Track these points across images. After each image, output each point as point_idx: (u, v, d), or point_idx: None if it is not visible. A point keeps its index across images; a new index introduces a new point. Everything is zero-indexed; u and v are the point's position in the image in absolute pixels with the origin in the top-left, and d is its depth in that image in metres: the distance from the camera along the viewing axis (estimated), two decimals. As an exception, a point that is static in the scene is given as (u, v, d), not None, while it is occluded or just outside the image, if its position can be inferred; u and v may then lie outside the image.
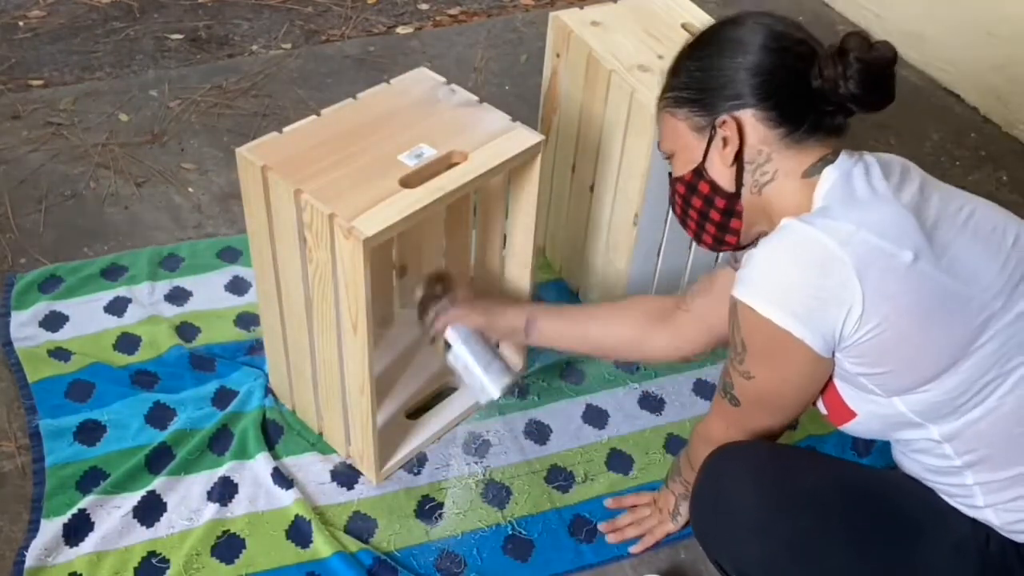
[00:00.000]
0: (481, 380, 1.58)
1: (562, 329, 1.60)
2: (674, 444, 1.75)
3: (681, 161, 1.27)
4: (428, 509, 1.63)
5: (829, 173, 1.16)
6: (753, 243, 1.24)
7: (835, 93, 1.14)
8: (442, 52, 2.80)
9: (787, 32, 1.19)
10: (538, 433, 1.76)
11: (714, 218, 1.27)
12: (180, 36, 2.81)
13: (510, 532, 1.60)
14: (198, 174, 2.28)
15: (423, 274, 1.68)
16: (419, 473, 1.68)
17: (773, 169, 1.19)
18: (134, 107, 2.47)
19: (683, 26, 1.83)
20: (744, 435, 1.29)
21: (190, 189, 2.23)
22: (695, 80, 1.22)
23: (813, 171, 1.18)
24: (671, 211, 1.37)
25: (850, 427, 1.24)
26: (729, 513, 1.24)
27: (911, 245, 1.08)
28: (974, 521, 1.19)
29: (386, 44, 2.82)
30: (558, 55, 1.84)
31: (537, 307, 1.64)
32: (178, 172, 2.28)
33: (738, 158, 1.20)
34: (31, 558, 1.48)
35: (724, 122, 1.19)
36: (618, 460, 1.72)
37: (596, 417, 1.79)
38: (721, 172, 1.23)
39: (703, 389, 1.86)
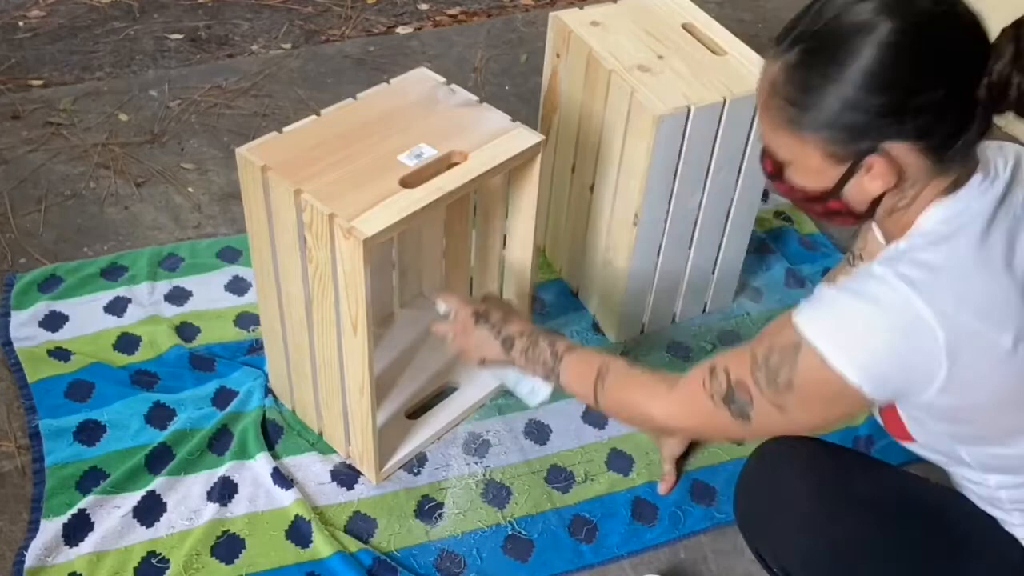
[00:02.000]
0: (532, 382, 1.52)
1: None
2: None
3: (802, 175, 1.10)
4: (428, 509, 1.63)
5: (960, 200, 1.05)
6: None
7: (1003, 99, 0.99)
8: (442, 52, 2.80)
9: (942, 32, 0.99)
10: (538, 433, 1.76)
11: (835, 220, 1.15)
12: (180, 36, 2.80)
13: (510, 532, 1.60)
14: (198, 174, 2.28)
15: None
16: (419, 473, 1.68)
17: (914, 194, 1.06)
18: (134, 107, 2.47)
19: (683, 26, 1.83)
20: (711, 436, 1.23)
21: (190, 189, 2.23)
22: (831, 111, 1.02)
23: (949, 190, 1.05)
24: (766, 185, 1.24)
25: (909, 447, 1.18)
26: (780, 506, 1.22)
27: (1013, 327, 0.99)
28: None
29: (386, 44, 2.82)
30: (558, 55, 1.84)
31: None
32: (178, 172, 2.28)
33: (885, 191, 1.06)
34: (31, 558, 1.48)
35: (875, 161, 1.03)
36: (618, 460, 1.72)
37: (596, 417, 1.79)
38: (858, 200, 1.08)
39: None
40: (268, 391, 1.76)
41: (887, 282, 1.01)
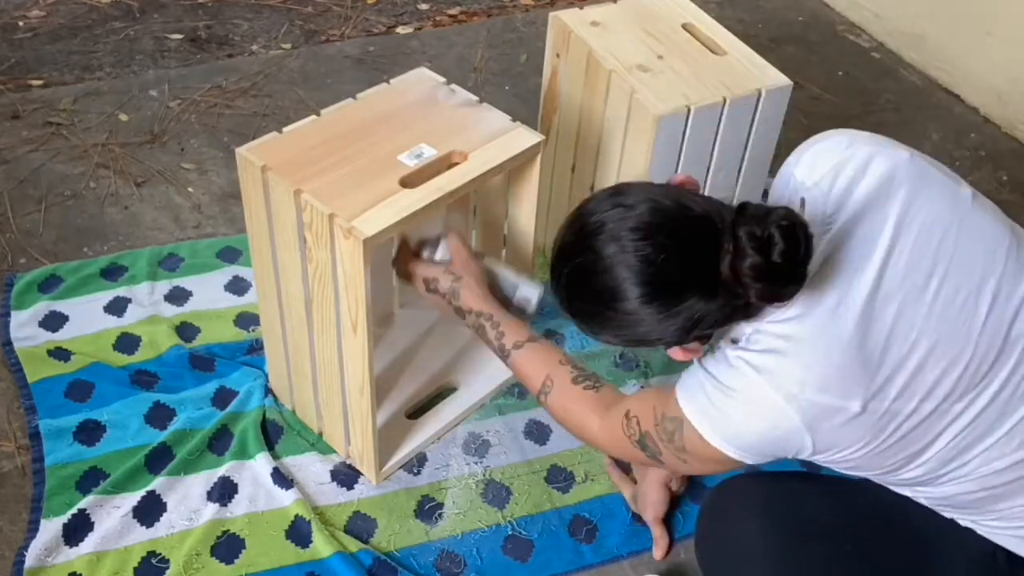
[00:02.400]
0: (518, 283, 1.52)
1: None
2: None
3: None
4: (428, 509, 1.63)
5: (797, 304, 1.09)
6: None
7: (745, 292, 1.03)
8: (442, 52, 2.79)
9: (667, 283, 1.04)
10: (538, 433, 1.76)
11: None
12: (180, 36, 2.80)
13: (510, 532, 1.60)
14: (198, 174, 2.28)
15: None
16: (419, 473, 1.68)
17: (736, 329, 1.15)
18: (134, 107, 2.47)
19: (683, 26, 1.83)
20: (638, 463, 1.43)
21: (190, 189, 2.23)
22: (611, 341, 1.15)
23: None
24: None
25: None
26: (739, 554, 1.25)
27: (859, 394, 1.05)
28: (982, 537, 1.19)
29: (386, 44, 2.82)
30: (558, 55, 1.84)
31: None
32: (178, 172, 2.28)
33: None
34: (31, 558, 1.48)
35: (671, 350, 1.17)
36: (618, 461, 1.72)
37: (596, 417, 1.79)
38: (689, 352, 1.19)
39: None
40: (268, 391, 1.76)
41: (740, 371, 1.09)
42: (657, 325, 1.06)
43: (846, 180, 1.11)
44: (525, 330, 1.43)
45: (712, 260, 1.02)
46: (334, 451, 1.69)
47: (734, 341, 1.14)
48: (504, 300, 1.51)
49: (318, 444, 1.70)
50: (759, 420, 1.09)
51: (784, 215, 1.00)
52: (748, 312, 1.08)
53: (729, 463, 1.15)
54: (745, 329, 1.12)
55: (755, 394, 1.08)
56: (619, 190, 1.10)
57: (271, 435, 1.71)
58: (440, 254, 1.53)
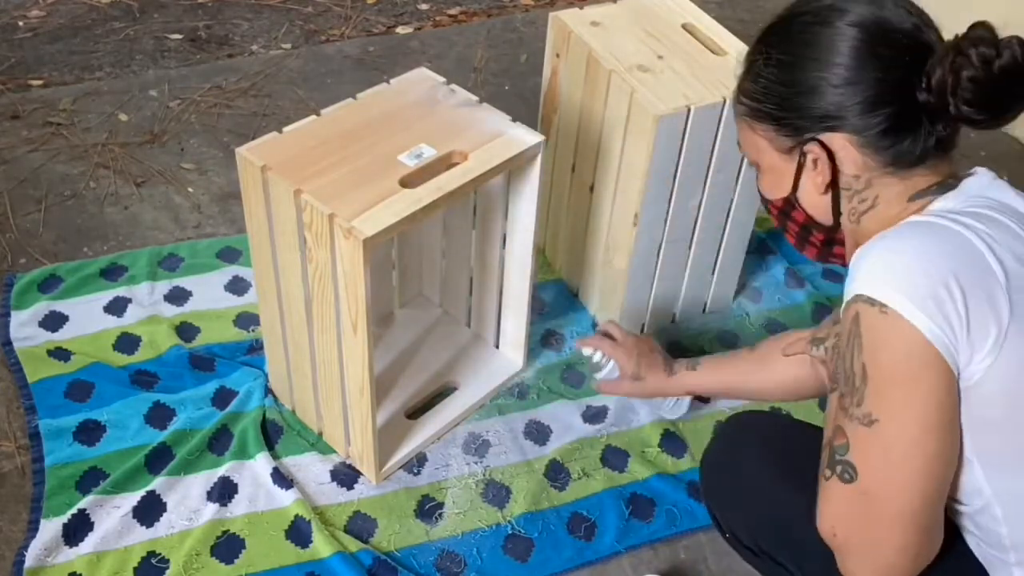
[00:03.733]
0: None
1: (718, 380, 1.61)
2: (669, 440, 1.75)
3: (769, 182, 1.14)
4: (428, 509, 1.63)
5: (948, 197, 1.03)
6: None
7: (943, 110, 0.98)
8: (442, 52, 2.80)
9: (889, 28, 1.02)
10: (538, 433, 1.76)
11: (815, 242, 1.16)
12: (180, 36, 2.81)
13: (510, 532, 1.60)
14: (198, 174, 2.28)
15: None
16: (419, 473, 1.68)
17: (873, 196, 1.05)
18: (134, 107, 2.47)
19: (683, 26, 1.83)
20: (869, 543, 1.02)
21: (190, 189, 2.23)
22: (774, 93, 1.06)
23: (923, 196, 1.04)
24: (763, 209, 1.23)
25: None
26: (734, 475, 1.30)
27: None
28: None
29: (386, 44, 2.82)
30: (558, 55, 1.84)
31: (685, 363, 1.64)
32: (178, 172, 2.28)
33: (833, 186, 1.06)
34: (31, 558, 1.48)
35: (811, 148, 1.05)
36: (613, 456, 1.72)
37: (594, 415, 1.79)
38: (815, 202, 1.10)
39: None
40: (268, 391, 1.76)
41: (934, 221, 0.99)
42: (846, 77, 1.01)
43: None
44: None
45: (914, 83, 1.00)
46: (334, 451, 1.70)
47: None
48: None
49: (318, 444, 1.70)
50: (960, 263, 0.95)
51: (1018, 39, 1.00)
52: (933, 137, 1.02)
53: (918, 376, 0.95)
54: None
55: (957, 238, 0.96)
56: None
57: (271, 435, 1.71)
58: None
